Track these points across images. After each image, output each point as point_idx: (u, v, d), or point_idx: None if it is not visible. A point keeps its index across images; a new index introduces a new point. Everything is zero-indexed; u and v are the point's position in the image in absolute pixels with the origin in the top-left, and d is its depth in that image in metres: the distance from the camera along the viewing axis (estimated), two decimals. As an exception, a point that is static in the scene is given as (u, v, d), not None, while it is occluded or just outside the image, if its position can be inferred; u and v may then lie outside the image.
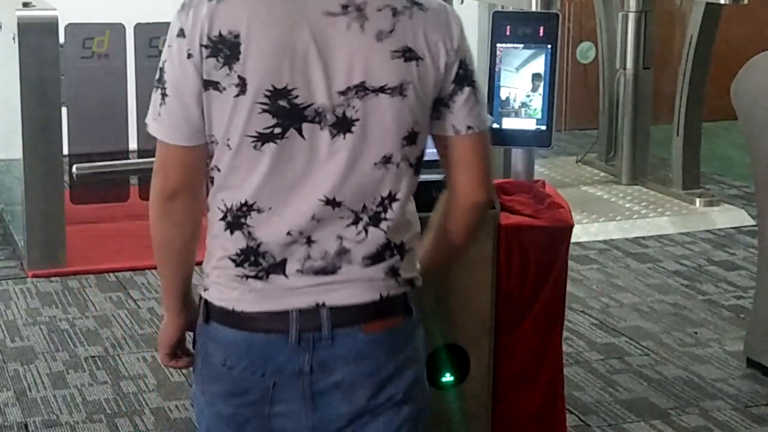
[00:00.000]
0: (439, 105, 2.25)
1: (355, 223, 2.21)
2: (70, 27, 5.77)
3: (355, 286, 2.23)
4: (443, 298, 3.06)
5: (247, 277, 2.22)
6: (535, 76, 3.35)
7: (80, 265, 5.62)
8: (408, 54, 2.19)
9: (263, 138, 2.17)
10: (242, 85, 2.15)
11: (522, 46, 3.35)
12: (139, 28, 6.34)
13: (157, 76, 2.23)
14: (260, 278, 2.22)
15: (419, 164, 2.27)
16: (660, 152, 7.50)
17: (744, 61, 4.63)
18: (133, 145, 6.32)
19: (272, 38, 2.15)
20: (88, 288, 5.47)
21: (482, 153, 2.30)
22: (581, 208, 6.57)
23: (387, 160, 2.20)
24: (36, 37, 5.55)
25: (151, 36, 6.32)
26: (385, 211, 2.22)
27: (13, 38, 5.56)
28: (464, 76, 2.25)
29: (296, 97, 2.16)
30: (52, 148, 5.63)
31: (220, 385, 2.27)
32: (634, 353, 4.84)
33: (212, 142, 2.21)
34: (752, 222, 6.37)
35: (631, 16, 7.16)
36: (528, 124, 3.35)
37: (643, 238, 6.38)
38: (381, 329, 2.24)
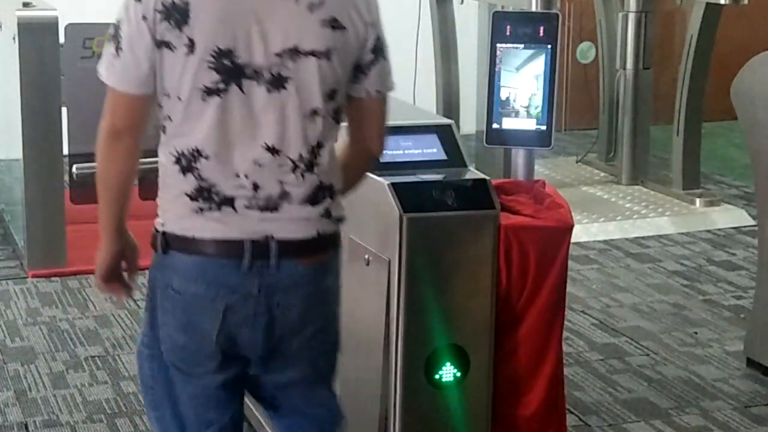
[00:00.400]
0: (357, 71, 2.64)
1: (293, 170, 2.55)
2: (70, 27, 5.77)
3: (296, 224, 2.57)
4: (443, 298, 3.06)
5: (203, 209, 2.55)
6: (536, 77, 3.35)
7: (80, 265, 5.61)
8: (334, 24, 2.56)
9: (209, 91, 2.51)
10: (191, 46, 2.50)
11: (522, 46, 3.35)
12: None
13: (112, 32, 2.57)
14: (214, 210, 2.55)
15: (338, 116, 2.63)
16: (660, 152, 7.50)
17: (744, 61, 4.63)
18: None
19: (217, 6, 2.50)
20: (88, 288, 5.47)
21: (384, 112, 2.72)
22: (581, 208, 6.57)
23: (314, 112, 2.56)
24: (36, 37, 5.54)
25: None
26: (316, 157, 2.57)
27: (13, 38, 5.56)
28: (379, 48, 2.66)
29: (238, 57, 2.50)
30: (52, 148, 5.63)
31: (180, 313, 2.60)
32: (634, 353, 4.84)
33: (165, 95, 2.54)
34: (752, 222, 6.37)
35: (631, 16, 7.16)
36: (528, 124, 3.35)
37: (643, 238, 6.38)
38: (315, 262, 2.61)
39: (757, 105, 4.47)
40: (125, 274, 2.76)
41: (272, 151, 2.53)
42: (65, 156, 5.73)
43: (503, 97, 3.36)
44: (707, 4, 6.60)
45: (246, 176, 2.53)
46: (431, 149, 3.23)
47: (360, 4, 2.62)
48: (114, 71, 2.57)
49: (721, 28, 6.84)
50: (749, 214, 6.56)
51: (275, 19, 2.52)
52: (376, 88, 2.67)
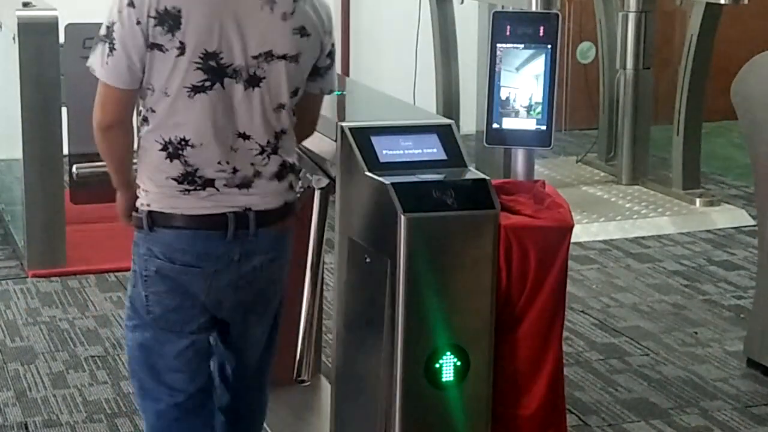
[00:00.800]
0: (315, 72, 3.08)
1: (261, 153, 2.97)
2: (70, 27, 5.77)
3: (268, 196, 3.00)
4: (443, 298, 3.06)
5: (188, 191, 2.92)
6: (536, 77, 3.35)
7: (80, 265, 5.62)
8: (303, 31, 2.96)
9: (196, 89, 2.88)
10: (182, 48, 2.85)
11: (522, 46, 3.35)
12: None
13: (103, 33, 2.89)
14: (198, 190, 2.92)
15: (295, 108, 3.06)
16: (660, 152, 7.50)
17: (744, 61, 4.63)
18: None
19: (206, 14, 2.85)
20: (88, 288, 5.47)
21: (321, 105, 3.21)
22: (581, 208, 6.57)
23: (281, 106, 2.98)
24: (36, 37, 5.55)
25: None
26: (279, 141, 3.00)
27: (13, 38, 5.56)
28: (332, 53, 3.11)
29: (222, 59, 2.88)
30: (52, 148, 5.63)
31: (171, 280, 2.96)
32: (634, 353, 4.84)
33: (149, 89, 2.89)
34: (752, 222, 6.37)
35: (631, 16, 7.16)
36: (528, 124, 3.35)
37: (643, 238, 6.38)
38: (283, 228, 3.05)
39: (757, 105, 4.47)
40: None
41: (244, 137, 2.94)
42: (65, 156, 5.73)
43: (503, 97, 3.36)
44: (707, 4, 6.60)
45: (227, 162, 2.93)
46: (431, 149, 3.23)
47: (322, 14, 3.02)
48: (108, 69, 2.88)
49: (721, 28, 6.84)
50: (749, 214, 6.56)
51: (253, 26, 2.90)
52: (329, 87, 3.16)
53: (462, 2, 6.99)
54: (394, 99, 3.82)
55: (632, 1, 7.16)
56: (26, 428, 4.17)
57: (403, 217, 2.98)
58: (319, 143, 3.42)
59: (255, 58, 2.90)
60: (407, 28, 7.62)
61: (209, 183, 2.92)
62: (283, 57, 2.93)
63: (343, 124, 3.24)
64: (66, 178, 5.85)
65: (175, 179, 2.91)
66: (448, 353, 3.08)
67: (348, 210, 3.25)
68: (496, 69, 3.36)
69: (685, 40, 6.89)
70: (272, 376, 4.29)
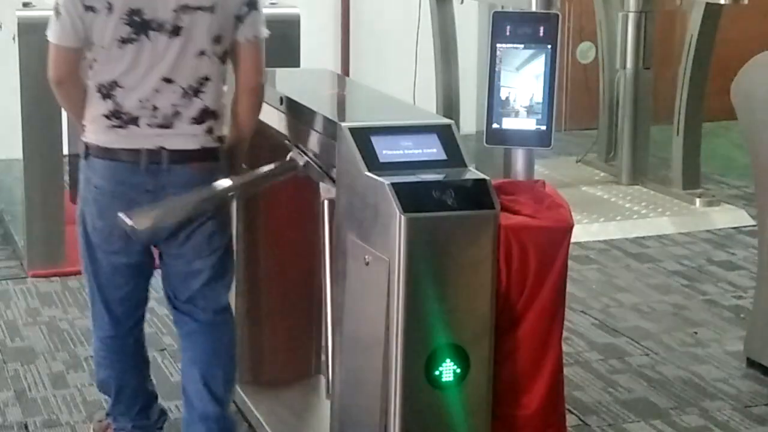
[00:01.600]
0: (237, 21, 3.47)
1: (184, 95, 3.44)
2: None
3: (185, 138, 3.46)
4: (443, 298, 3.06)
5: (114, 126, 3.47)
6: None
7: (80, 265, 5.61)
8: None
9: (124, 40, 3.41)
10: (110, 8, 3.38)
11: (522, 46, 3.35)
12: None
13: (54, 5, 3.45)
14: (122, 127, 3.47)
15: (225, 57, 3.51)
16: (660, 152, 7.50)
17: (744, 61, 4.62)
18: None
19: None
20: (88, 288, 5.47)
21: (258, 54, 3.54)
22: (581, 208, 6.57)
23: (202, 53, 3.44)
24: (36, 37, 5.52)
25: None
26: (202, 86, 3.45)
27: (13, 38, 5.56)
28: (252, 3, 3.49)
29: (145, 14, 3.39)
30: (52, 148, 5.63)
31: (98, 204, 3.52)
32: (634, 353, 4.84)
33: (92, 43, 3.44)
34: (752, 222, 6.37)
35: (631, 16, 7.16)
36: (528, 124, 3.35)
37: (643, 238, 6.38)
38: (201, 168, 3.48)
39: (757, 105, 4.47)
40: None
41: (168, 81, 3.42)
42: (65, 156, 5.73)
43: (503, 97, 3.36)
44: (707, 4, 6.60)
45: (148, 100, 3.43)
46: (431, 149, 3.23)
47: None
48: (55, 31, 3.45)
49: (721, 28, 6.84)
50: (749, 214, 6.56)
51: None
52: (253, 34, 3.50)
53: (462, 2, 6.99)
54: (394, 99, 3.82)
55: (632, 1, 7.16)
56: (26, 428, 4.17)
57: (402, 217, 2.98)
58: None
59: (174, 11, 3.39)
60: (407, 28, 7.61)
61: (133, 121, 3.45)
62: (199, 8, 3.40)
63: (343, 124, 3.24)
64: (66, 178, 5.85)
65: (105, 116, 3.47)
66: (448, 353, 3.08)
67: (348, 210, 3.25)
68: (496, 69, 3.36)
69: (685, 40, 6.89)
70: (272, 376, 4.30)
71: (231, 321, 3.76)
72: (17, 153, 5.71)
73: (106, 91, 3.45)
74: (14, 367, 4.63)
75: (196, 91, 3.44)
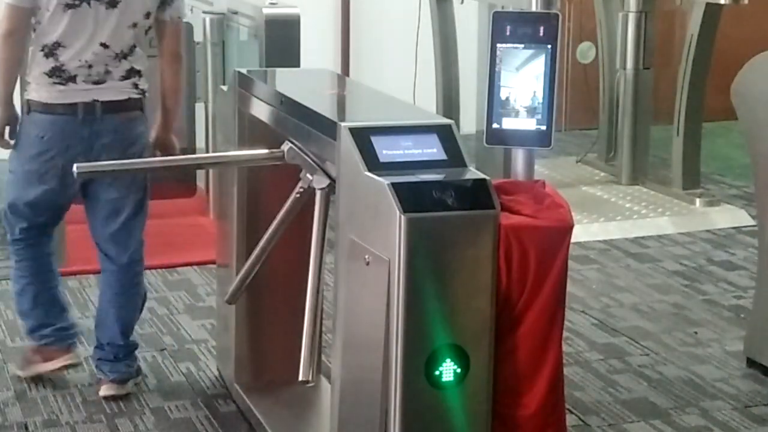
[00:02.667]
0: (163, 3, 4.21)
1: (116, 58, 4.13)
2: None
3: (115, 91, 4.15)
4: (443, 298, 3.06)
5: (55, 83, 4.11)
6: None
7: (80, 265, 5.61)
8: None
9: (68, 6, 4.06)
10: None
11: (522, 46, 3.35)
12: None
13: None
14: (62, 84, 4.11)
15: (149, 30, 4.23)
16: (660, 152, 7.50)
17: (744, 61, 4.62)
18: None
19: None
20: (88, 288, 5.47)
21: (180, 29, 4.32)
22: (581, 208, 6.57)
23: (134, 24, 4.15)
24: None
25: (151, 36, 6.31)
26: (131, 51, 4.15)
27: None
28: None
29: None
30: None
31: (34, 150, 4.15)
32: (634, 353, 4.84)
33: (38, 8, 4.05)
34: (752, 222, 6.37)
35: (631, 16, 7.16)
36: (528, 124, 3.35)
37: (643, 238, 6.38)
38: (128, 117, 4.18)
39: (758, 105, 4.47)
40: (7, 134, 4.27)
41: (104, 46, 4.10)
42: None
43: (503, 97, 3.35)
44: (707, 4, 6.60)
45: (86, 61, 4.09)
46: (431, 149, 3.22)
47: None
48: None
49: (721, 28, 6.84)
50: (749, 214, 6.56)
51: None
52: (177, 15, 4.27)
53: (462, 2, 6.99)
54: (394, 99, 3.82)
55: (632, 1, 7.16)
56: (26, 428, 4.17)
57: (402, 217, 2.98)
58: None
59: None
60: (407, 28, 7.61)
61: (72, 78, 4.09)
62: None
63: (343, 124, 3.24)
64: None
65: (47, 74, 4.10)
66: (448, 353, 3.08)
67: (348, 210, 3.25)
68: (496, 69, 3.36)
69: (685, 40, 6.89)
70: (271, 376, 4.30)
71: (142, 266, 4.43)
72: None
73: (49, 51, 4.08)
74: (14, 367, 4.63)
75: (126, 55, 4.14)
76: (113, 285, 4.38)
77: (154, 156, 4.31)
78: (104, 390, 4.35)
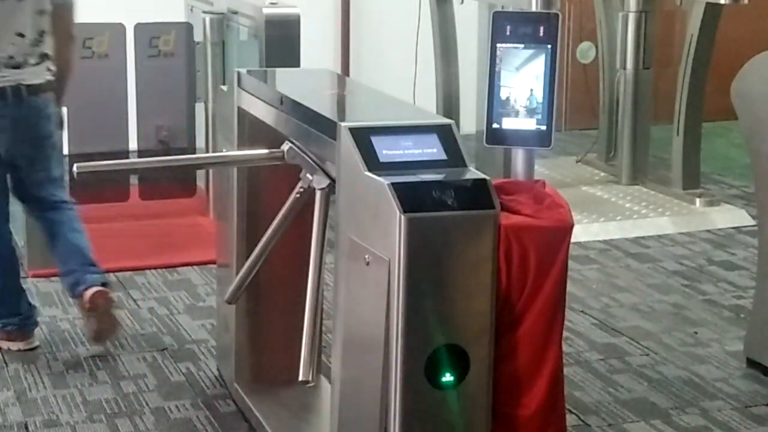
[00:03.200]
0: None
1: (30, 45, 4.57)
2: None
3: (34, 74, 4.59)
4: (443, 298, 3.06)
5: None
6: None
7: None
8: None
9: None
10: None
11: (522, 46, 3.35)
12: (139, 28, 6.34)
13: None
14: None
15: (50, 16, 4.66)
16: (660, 152, 7.50)
17: (744, 61, 4.62)
18: (133, 145, 6.32)
19: None
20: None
21: (70, 12, 4.79)
22: (581, 208, 6.57)
23: (42, 12, 4.61)
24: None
25: (152, 36, 6.33)
26: (42, 37, 4.61)
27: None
28: None
29: None
30: (52, 148, 5.64)
31: None
32: (634, 353, 4.84)
33: None
34: (752, 222, 6.37)
35: (631, 16, 7.16)
36: (528, 124, 3.35)
37: (643, 238, 6.38)
38: (44, 98, 4.65)
39: (758, 105, 4.47)
40: None
41: (21, 35, 4.55)
42: (65, 156, 5.71)
43: (503, 97, 3.35)
44: (707, 4, 6.60)
45: (6, 51, 4.52)
46: (431, 149, 3.22)
47: None
48: None
49: (721, 28, 6.84)
50: (749, 214, 6.56)
51: None
52: (62, 1, 4.72)
53: (462, 2, 6.99)
54: (394, 99, 3.82)
55: (632, 1, 7.16)
56: (26, 428, 4.17)
57: (402, 217, 2.98)
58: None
59: None
60: (407, 28, 7.61)
61: None
62: None
63: (343, 123, 3.24)
64: (66, 178, 5.84)
65: None
66: (448, 353, 3.08)
67: (348, 210, 3.25)
68: (496, 69, 3.36)
69: (685, 40, 6.89)
70: (271, 376, 4.30)
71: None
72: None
73: None
74: (14, 367, 4.63)
75: (38, 42, 4.60)
76: (65, 222, 4.80)
77: (60, 130, 4.83)
78: (91, 291, 4.65)
